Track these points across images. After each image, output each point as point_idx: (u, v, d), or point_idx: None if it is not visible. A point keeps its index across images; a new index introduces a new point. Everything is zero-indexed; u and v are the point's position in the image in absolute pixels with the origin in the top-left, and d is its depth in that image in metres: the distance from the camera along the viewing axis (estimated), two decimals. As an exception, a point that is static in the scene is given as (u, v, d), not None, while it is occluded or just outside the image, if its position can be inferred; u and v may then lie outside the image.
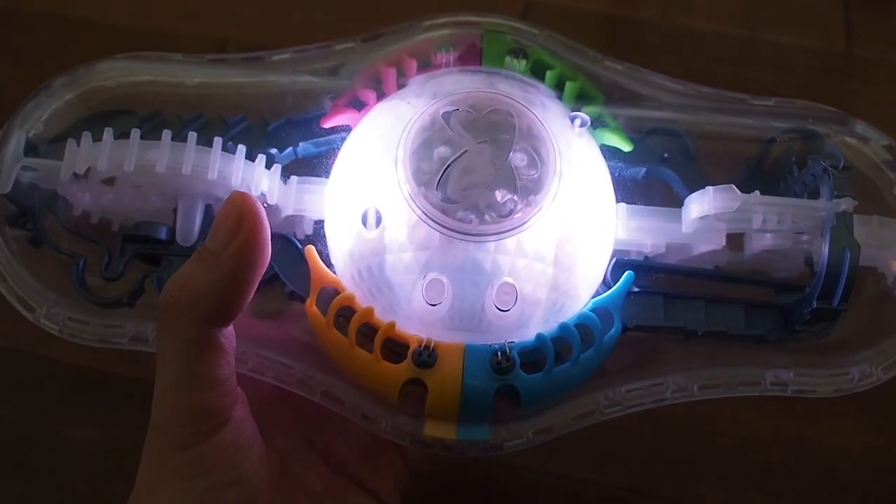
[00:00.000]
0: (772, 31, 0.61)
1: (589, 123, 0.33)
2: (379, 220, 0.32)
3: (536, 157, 0.32)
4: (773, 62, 0.60)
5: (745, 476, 0.48)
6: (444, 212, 0.31)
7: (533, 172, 0.32)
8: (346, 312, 0.33)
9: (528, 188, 0.31)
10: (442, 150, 0.32)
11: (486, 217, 0.31)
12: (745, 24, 0.61)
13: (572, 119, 0.33)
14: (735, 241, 0.35)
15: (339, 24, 0.63)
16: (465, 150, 0.32)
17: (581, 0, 0.61)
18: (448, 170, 0.31)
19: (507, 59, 0.35)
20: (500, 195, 0.31)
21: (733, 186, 0.33)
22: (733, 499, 0.47)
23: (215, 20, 0.61)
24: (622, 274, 0.34)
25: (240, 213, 0.30)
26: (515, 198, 0.31)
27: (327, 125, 0.36)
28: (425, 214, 0.31)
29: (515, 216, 0.31)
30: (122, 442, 0.47)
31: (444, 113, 0.32)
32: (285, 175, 0.35)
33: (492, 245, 0.31)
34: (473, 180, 0.31)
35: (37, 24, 0.60)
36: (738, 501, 0.48)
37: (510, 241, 0.31)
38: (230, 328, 0.31)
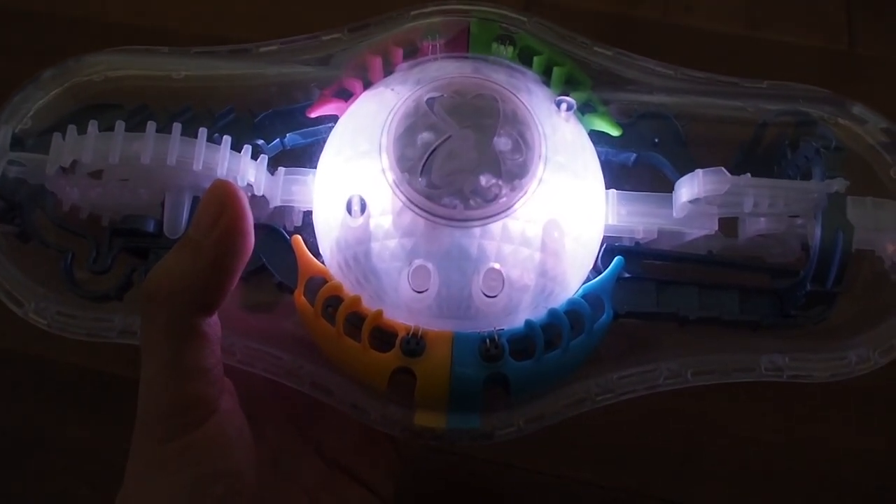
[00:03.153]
0: (773, 30, 0.60)
1: (575, 108, 0.33)
2: (364, 208, 0.31)
3: (521, 142, 0.31)
4: (774, 62, 0.60)
5: (746, 477, 0.47)
6: (428, 198, 0.31)
7: (518, 157, 0.31)
8: (334, 302, 0.32)
9: (513, 173, 0.31)
10: (426, 136, 0.31)
11: (471, 202, 0.31)
12: (745, 24, 0.61)
13: (558, 104, 0.33)
14: (729, 226, 0.35)
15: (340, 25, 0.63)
16: (449, 136, 0.31)
17: (581, -1, 0.61)
18: (432, 155, 0.31)
19: (494, 45, 0.35)
20: (484, 180, 0.31)
21: (723, 169, 0.32)
22: (733, 499, 0.47)
23: (215, 20, 0.61)
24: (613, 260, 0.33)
25: (221, 201, 0.29)
26: (500, 182, 0.31)
27: (314, 115, 0.35)
28: (409, 201, 0.31)
29: (500, 201, 0.31)
30: (122, 442, 0.47)
31: (428, 99, 0.32)
32: (273, 166, 0.35)
33: (477, 230, 0.31)
34: (458, 166, 0.31)
35: (37, 23, 0.60)
36: (738, 502, 0.47)
37: (496, 227, 0.31)
38: (215, 317, 0.31)
